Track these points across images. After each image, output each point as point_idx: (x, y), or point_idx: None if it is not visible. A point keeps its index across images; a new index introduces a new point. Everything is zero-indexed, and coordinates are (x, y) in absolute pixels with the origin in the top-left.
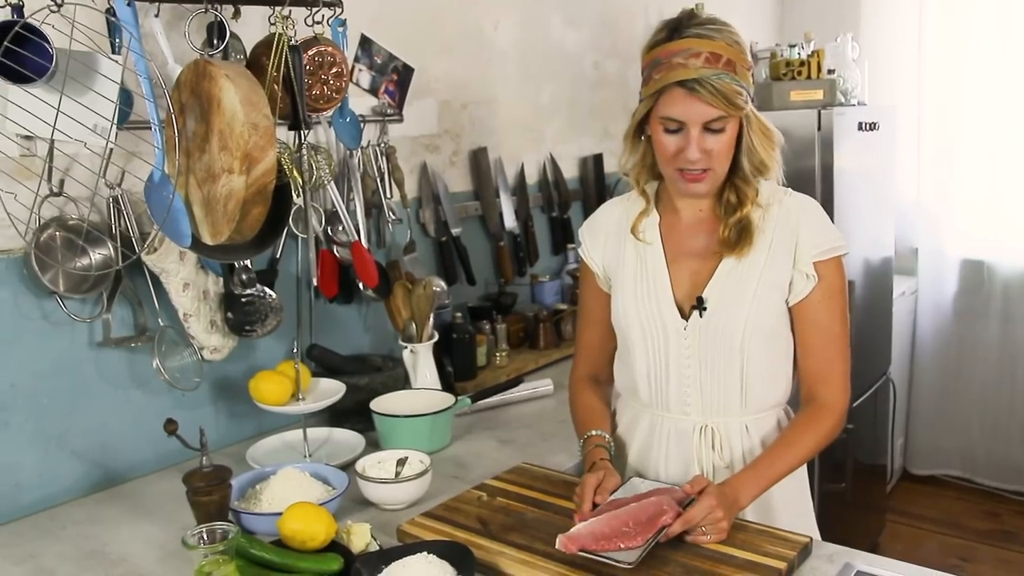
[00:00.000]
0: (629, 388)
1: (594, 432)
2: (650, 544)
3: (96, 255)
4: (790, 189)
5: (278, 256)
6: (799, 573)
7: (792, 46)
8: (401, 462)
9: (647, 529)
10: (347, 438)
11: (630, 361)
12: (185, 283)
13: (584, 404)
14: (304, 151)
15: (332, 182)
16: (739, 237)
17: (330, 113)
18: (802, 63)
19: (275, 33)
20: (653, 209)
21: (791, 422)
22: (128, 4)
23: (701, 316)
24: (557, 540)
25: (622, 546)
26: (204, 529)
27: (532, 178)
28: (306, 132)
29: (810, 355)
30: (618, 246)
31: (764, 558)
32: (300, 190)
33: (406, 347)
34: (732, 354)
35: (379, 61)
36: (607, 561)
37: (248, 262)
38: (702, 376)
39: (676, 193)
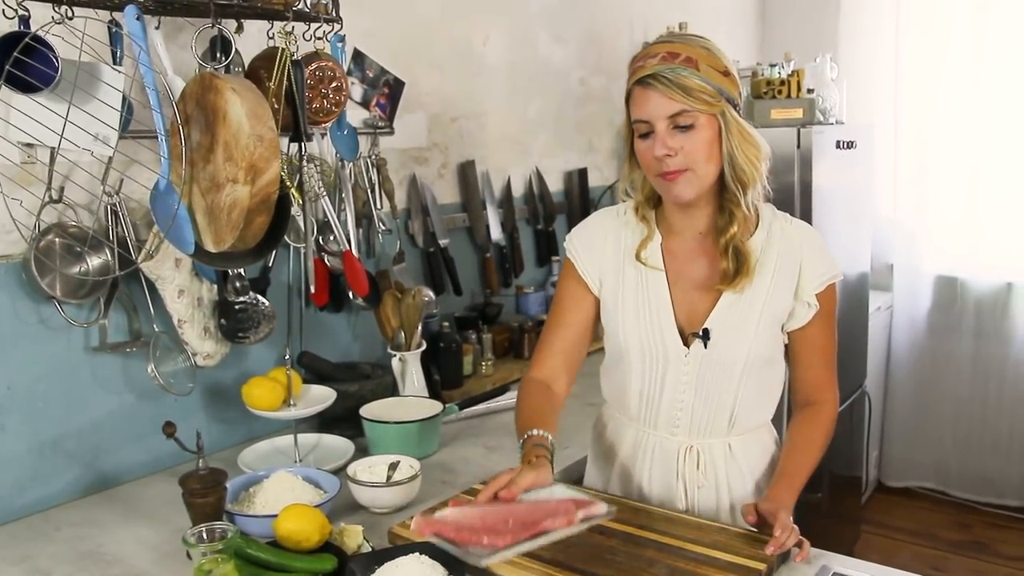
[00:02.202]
0: (617, 401)
1: (534, 432)
2: (519, 547)
3: (94, 261)
4: (789, 216)
5: (270, 265)
6: (778, 574)
7: (772, 65)
8: (393, 466)
9: (525, 531)
10: (337, 444)
11: (624, 377)
12: (180, 290)
13: (529, 406)
14: (306, 163)
15: (326, 194)
16: (736, 270)
17: (328, 126)
18: (782, 82)
19: (274, 47)
20: (657, 233)
21: (796, 428)
22: (137, 18)
23: (705, 346)
24: (413, 520)
25: (486, 541)
26: (204, 528)
27: (518, 191)
28: (306, 144)
29: (809, 370)
30: (617, 266)
31: (745, 560)
32: (300, 201)
33: (395, 355)
34: (729, 382)
35: (371, 75)
36: (457, 554)
37: (242, 270)
38: (695, 401)
39: (668, 204)
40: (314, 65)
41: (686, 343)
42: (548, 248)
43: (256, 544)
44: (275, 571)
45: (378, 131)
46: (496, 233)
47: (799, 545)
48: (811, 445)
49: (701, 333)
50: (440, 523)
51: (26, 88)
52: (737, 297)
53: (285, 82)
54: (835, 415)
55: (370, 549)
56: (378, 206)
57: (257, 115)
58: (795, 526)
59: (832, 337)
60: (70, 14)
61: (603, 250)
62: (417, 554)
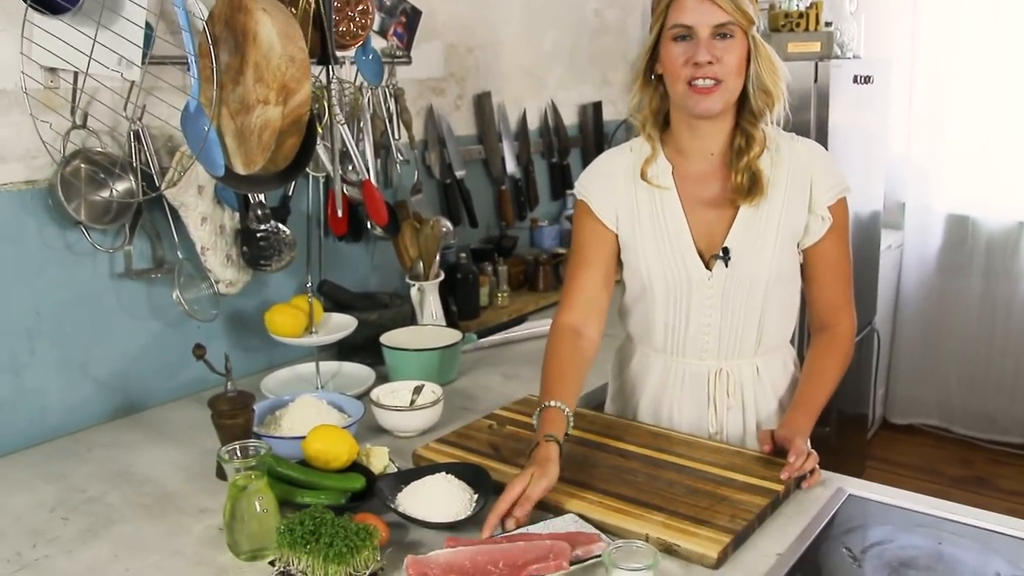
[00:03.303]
0: (643, 334)
1: (554, 403)
2: None
3: (118, 187)
4: (795, 134)
5: (290, 194)
6: (794, 496)
7: None
8: (417, 390)
9: (515, 574)
10: (357, 371)
11: (648, 309)
12: (203, 217)
13: (556, 364)
14: (334, 85)
15: (344, 123)
16: (751, 184)
17: (352, 51)
18: (800, 15)
19: None
20: (662, 155)
21: (814, 355)
22: None
23: (726, 266)
24: (406, 560)
25: None
26: (238, 446)
27: (533, 124)
28: (339, 67)
29: (824, 290)
30: (630, 197)
31: (763, 481)
32: (328, 124)
33: (413, 285)
34: (753, 301)
35: (388, 3)
36: None
37: (263, 198)
38: (722, 323)
39: (684, 124)
40: None
41: (707, 266)
42: (563, 182)
43: (286, 463)
44: (305, 488)
45: (396, 60)
46: (511, 166)
47: (811, 471)
48: (827, 372)
49: (721, 253)
50: (429, 564)
51: (51, 9)
52: (753, 214)
53: (312, 4)
54: (852, 338)
55: (396, 470)
56: (396, 136)
57: (288, 35)
58: (813, 451)
59: (846, 253)
60: None
61: (615, 186)
62: (444, 474)
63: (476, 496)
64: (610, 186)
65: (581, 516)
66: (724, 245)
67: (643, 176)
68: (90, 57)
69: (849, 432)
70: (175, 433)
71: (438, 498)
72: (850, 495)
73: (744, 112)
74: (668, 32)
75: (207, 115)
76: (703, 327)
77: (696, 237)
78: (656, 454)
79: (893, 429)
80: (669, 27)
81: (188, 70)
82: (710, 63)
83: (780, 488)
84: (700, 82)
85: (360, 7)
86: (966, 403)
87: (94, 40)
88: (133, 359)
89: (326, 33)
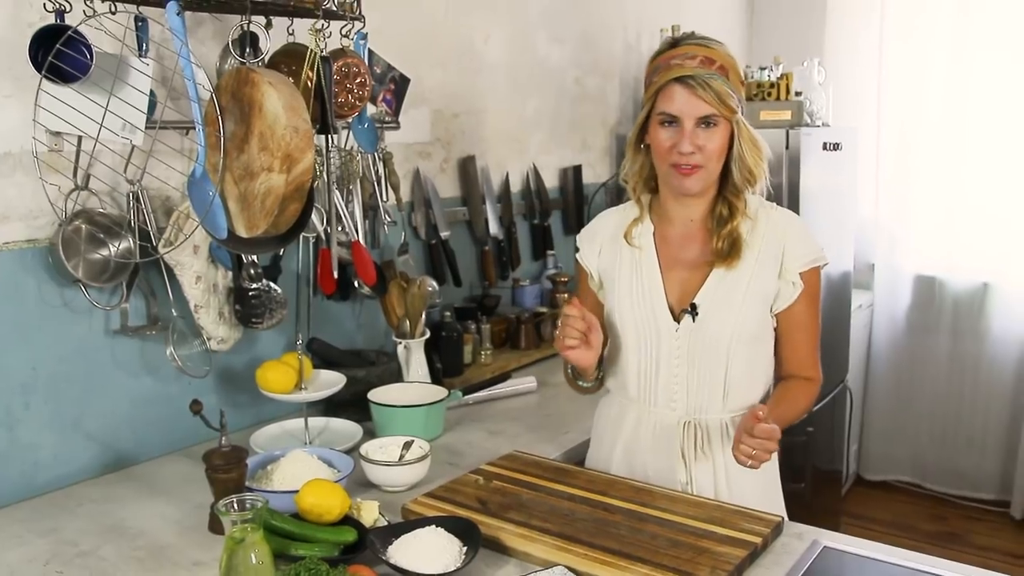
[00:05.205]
0: (619, 383)
1: None
2: None
3: (115, 248)
4: (775, 204)
5: (281, 254)
6: (772, 548)
7: (763, 69)
8: (407, 446)
9: None
10: (344, 427)
11: (623, 358)
12: (197, 276)
13: None
14: (333, 153)
15: (336, 186)
16: (730, 249)
17: (350, 119)
18: (772, 85)
19: (294, 43)
20: (647, 217)
21: (783, 387)
22: (178, 14)
23: (693, 320)
24: None
25: None
26: (235, 499)
27: (516, 186)
28: (335, 136)
29: (794, 350)
30: (614, 252)
31: (741, 534)
32: (323, 189)
33: (400, 343)
34: (718, 356)
35: (378, 71)
36: None
37: (255, 257)
38: (689, 375)
39: (670, 193)
40: (340, 62)
41: (676, 320)
42: (544, 243)
43: (280, 516)
44: (299, 541)
45: (385, 126)
46: (494, 227)
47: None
48: (794, 402)
49: (689, 308)
50: None
51: (63, 78)
52: (724, 276)
53: (313, 77)
54: (818, 390)
55: (386, 523)
56: (384, 198)
57: (293, 107)
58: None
59: (816, 319)
60: (114, 9)
61: (602, 241)
62: (433, 526)
63: (465, 548)
64: (597, 243)
65: (570, 569)
66: (693, 301)
67: (626, 236)
68: (101, 124)
69: (823, 488)
70: (167, 487)
71: (429, 550)
72: (825, 547)
73: (728, 185)
74: (656, 116)
75: (212, 181)
76: (672, 377)
77: (669, 293)
78: (639, 508)
79: (867, 485)
80: (657, 112)
81: (188, 134)
82: (692, 152)
83: (758, 540)
84: (682, 164)
85: (358, 80)
86: (938, 460)
87: (106, 108)
88: (125, 414)
89: (327, 105)
